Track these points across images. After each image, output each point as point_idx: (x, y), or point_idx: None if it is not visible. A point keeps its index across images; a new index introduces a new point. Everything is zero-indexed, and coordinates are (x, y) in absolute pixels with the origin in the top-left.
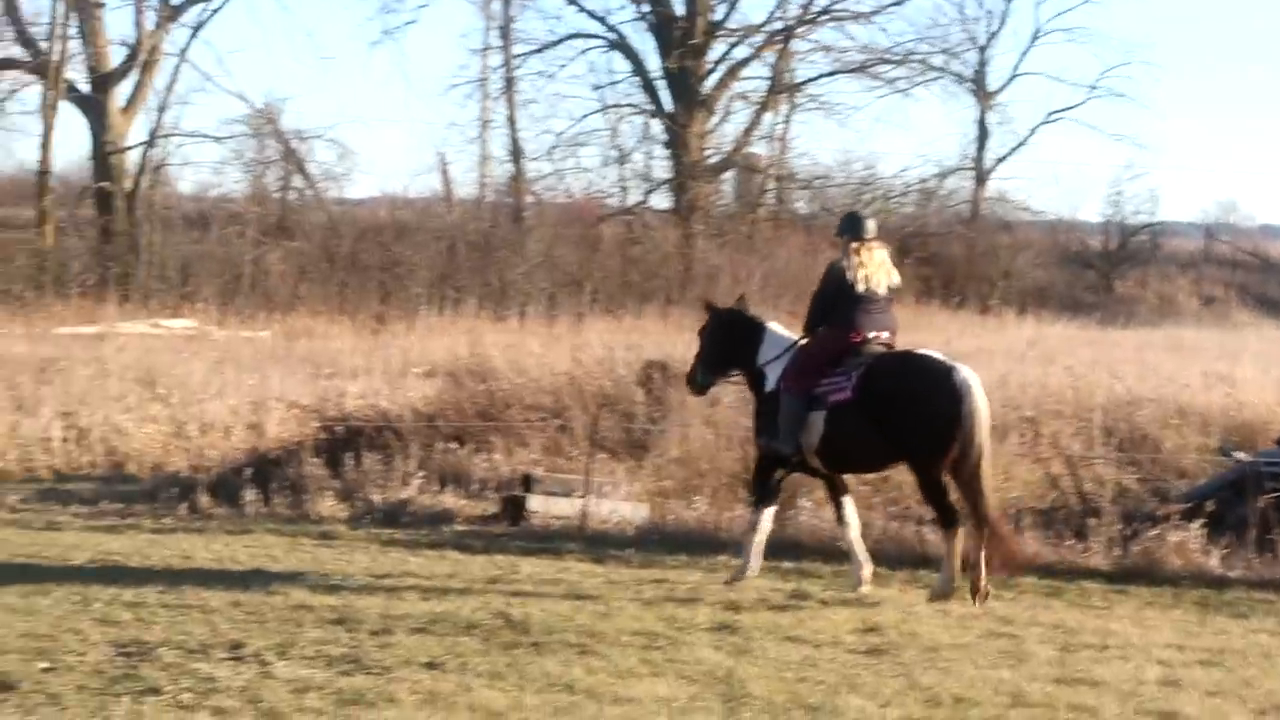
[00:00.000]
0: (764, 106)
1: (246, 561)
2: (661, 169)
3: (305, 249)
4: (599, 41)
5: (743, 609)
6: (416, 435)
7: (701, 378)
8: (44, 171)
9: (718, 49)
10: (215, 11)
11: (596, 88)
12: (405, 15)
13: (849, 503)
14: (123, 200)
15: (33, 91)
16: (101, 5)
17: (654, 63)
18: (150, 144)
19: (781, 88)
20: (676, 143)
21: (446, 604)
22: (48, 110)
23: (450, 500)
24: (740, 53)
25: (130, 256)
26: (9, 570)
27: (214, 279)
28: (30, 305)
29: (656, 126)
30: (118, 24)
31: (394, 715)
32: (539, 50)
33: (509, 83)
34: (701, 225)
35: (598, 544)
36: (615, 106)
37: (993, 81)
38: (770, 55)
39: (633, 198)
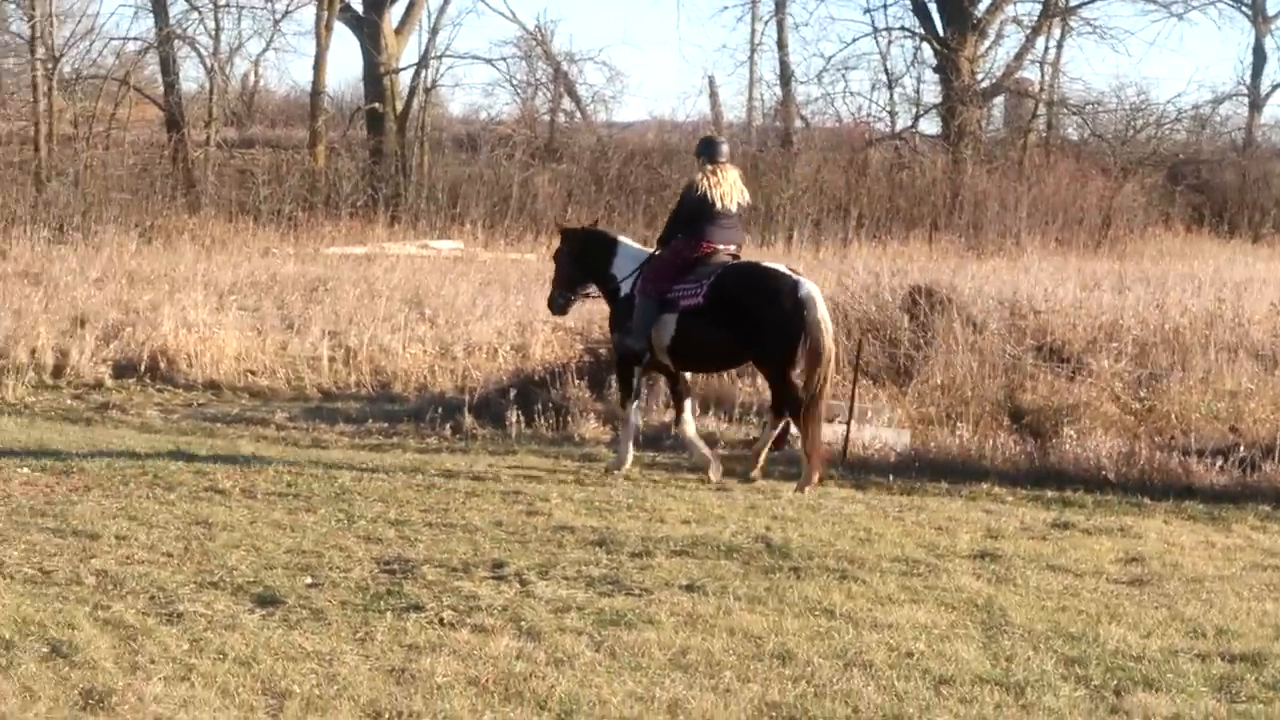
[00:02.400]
0: (1036, 30)
1: (509, 482)
2: (931, 93)
3: (573, 172)
4: None
5: (1003, 537)
6: None
7: (560, 297)
8: (317, 92)
9: None
10: None
11: (867, 10)
12: None
13: (689, 404)
14: (394, 122)
15: (308, 12)
16: None
17: None
18: (422, 65)
19: (1054, 11)
20: (947, 67)
21: (707, 527)
22: (322, 31)
23: (713, 424)
24: None
25: (400, 178)
26: (275, 487)
27: (482, 201)
28: (301, 225)
29: (927, 50)
30: None
31: (653, 636)
32: None
33: (780, 5)
34: (970, 151)
35: (859, 470)
36: (886, 30)
37: (1271, 5)
38: None
39: (902, 122)
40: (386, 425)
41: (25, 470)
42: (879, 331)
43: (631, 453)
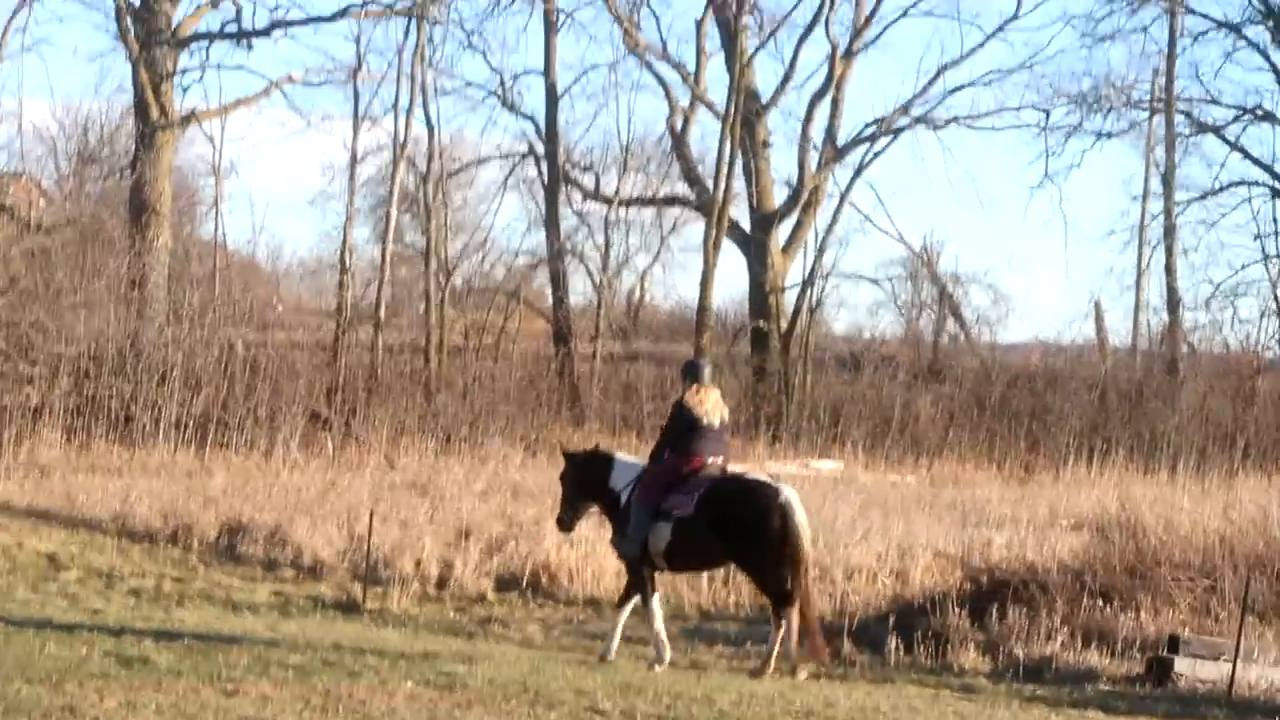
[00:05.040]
0: None
1: (888, 711)
2: None
3: (955, 393)
4: (1263, 189)
5: None
6: (1062, 590)
7: (567, 517)
8: (703, 309)
9: None
10: (878, 154)
11: (1257, 237)
12: (1067, 159)
13: (658, 599)
14: (778, 340)
15: (695, 228)
16: (767, 146)
17: None
18: (808, 284)
19: None
20: None
21: None
22: (709, 248)
23: (1094, 658)
24: None
25: (782, 396)
26: (655, 709)
27: (863, 421)
28: None
29: None
30: (782, 164)
31: None
32: (1201, 197)
33: (1168, 231)
34: None
35: (1245, 711)
36: (1277, 256)
37: None
38: None
39: None
40: (765, 648)
41: (410, 684)
42: (1266, 567)
43: (666, 645)
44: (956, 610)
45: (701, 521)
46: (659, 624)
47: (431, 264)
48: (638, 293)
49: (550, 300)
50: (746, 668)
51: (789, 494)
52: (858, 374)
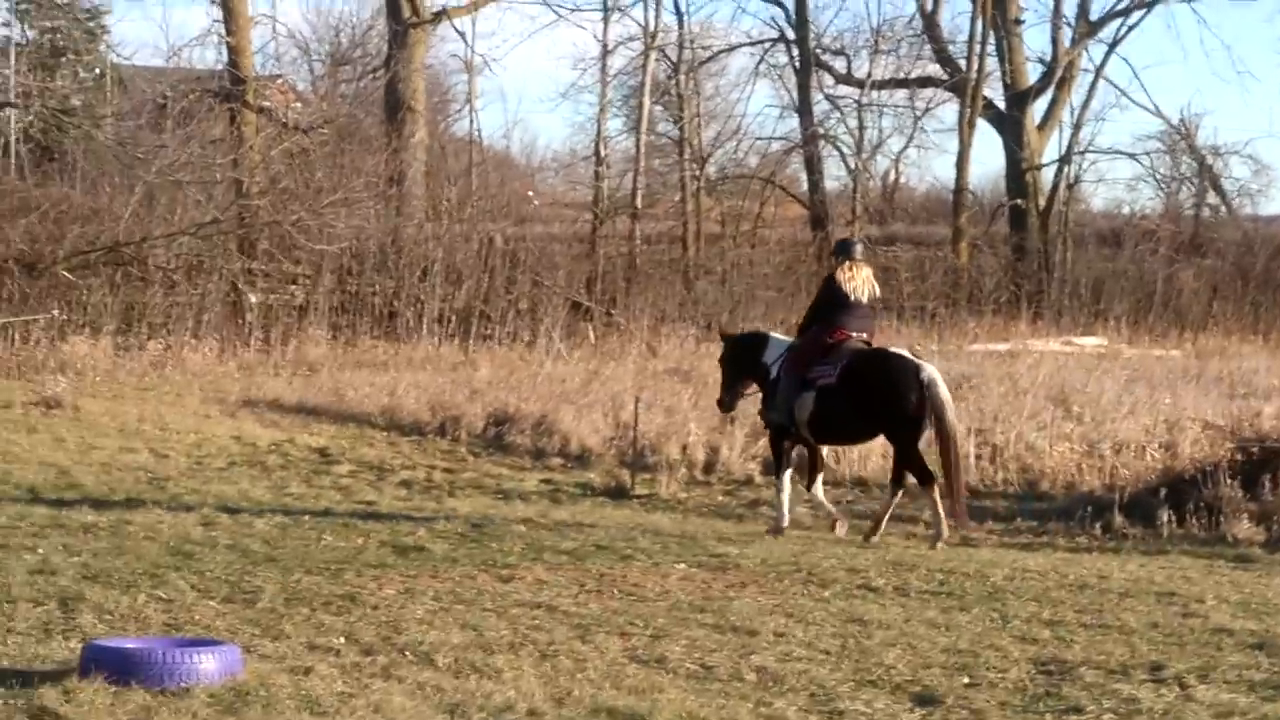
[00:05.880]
0: None
1: (1162, 583)
2: None
3: (1218, 266)
4: None
5: None
6: None
7: (728, 398)
8: (960, 189)
9: None
10: (1132, 27)
11: None
12: None
13: (820, 477)
14: (1036, 217)
15: (949, 109)
16: (1020, 24)
17: None
18: (1065, 161)
19: None
20: None
21: None
22: (965, 128)
23: None
24: None
25: (1042, 274)
26: (928, 585)
27: (1125, 296)
28: (944, 322)
29: None
30: (1035, 41)
31: None
32: None
33: None
34: None
35: None
36: None
37: None
38: None
39: None
40: (1035, 524)
41: (682, 566)
42: None
43: (788, 515)
44: (1228, 481)
45: (843, 391)
46: (786, 496)
47: (685, 153)
48: (893, 175)
49: (805, 185)
50: (1017, 543)
51: (930, 370)
52: (1118, 250)
